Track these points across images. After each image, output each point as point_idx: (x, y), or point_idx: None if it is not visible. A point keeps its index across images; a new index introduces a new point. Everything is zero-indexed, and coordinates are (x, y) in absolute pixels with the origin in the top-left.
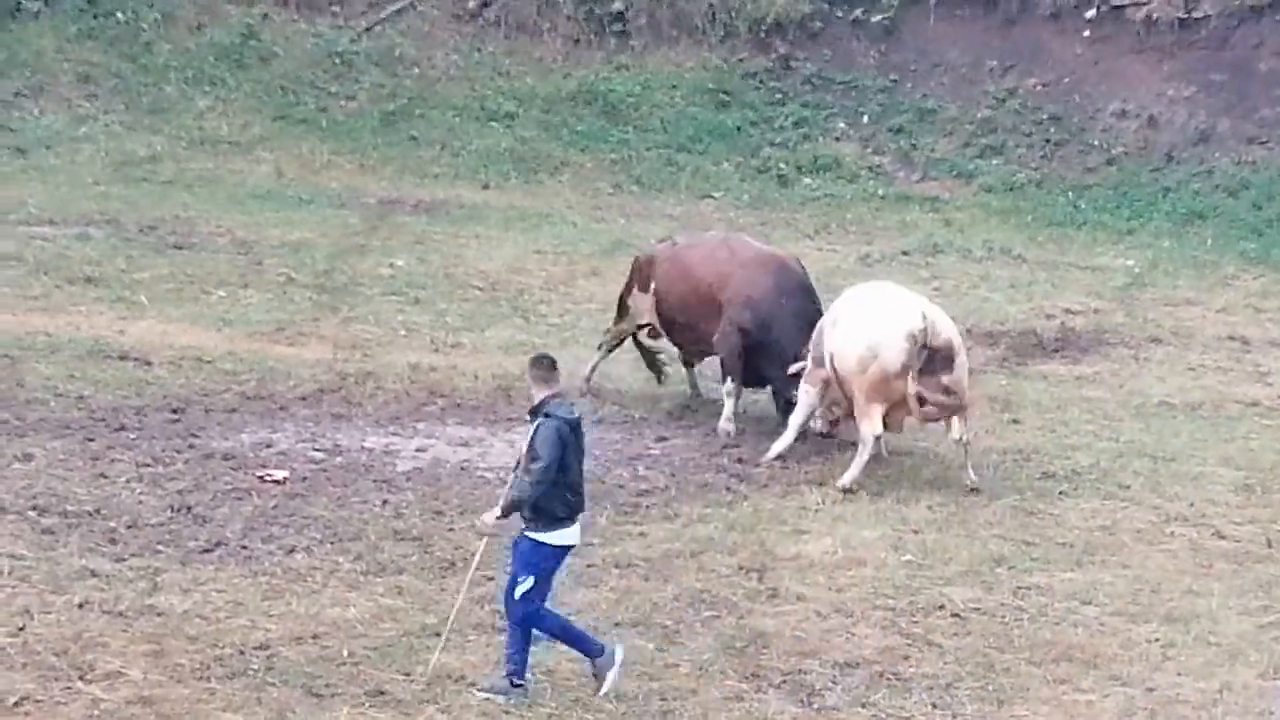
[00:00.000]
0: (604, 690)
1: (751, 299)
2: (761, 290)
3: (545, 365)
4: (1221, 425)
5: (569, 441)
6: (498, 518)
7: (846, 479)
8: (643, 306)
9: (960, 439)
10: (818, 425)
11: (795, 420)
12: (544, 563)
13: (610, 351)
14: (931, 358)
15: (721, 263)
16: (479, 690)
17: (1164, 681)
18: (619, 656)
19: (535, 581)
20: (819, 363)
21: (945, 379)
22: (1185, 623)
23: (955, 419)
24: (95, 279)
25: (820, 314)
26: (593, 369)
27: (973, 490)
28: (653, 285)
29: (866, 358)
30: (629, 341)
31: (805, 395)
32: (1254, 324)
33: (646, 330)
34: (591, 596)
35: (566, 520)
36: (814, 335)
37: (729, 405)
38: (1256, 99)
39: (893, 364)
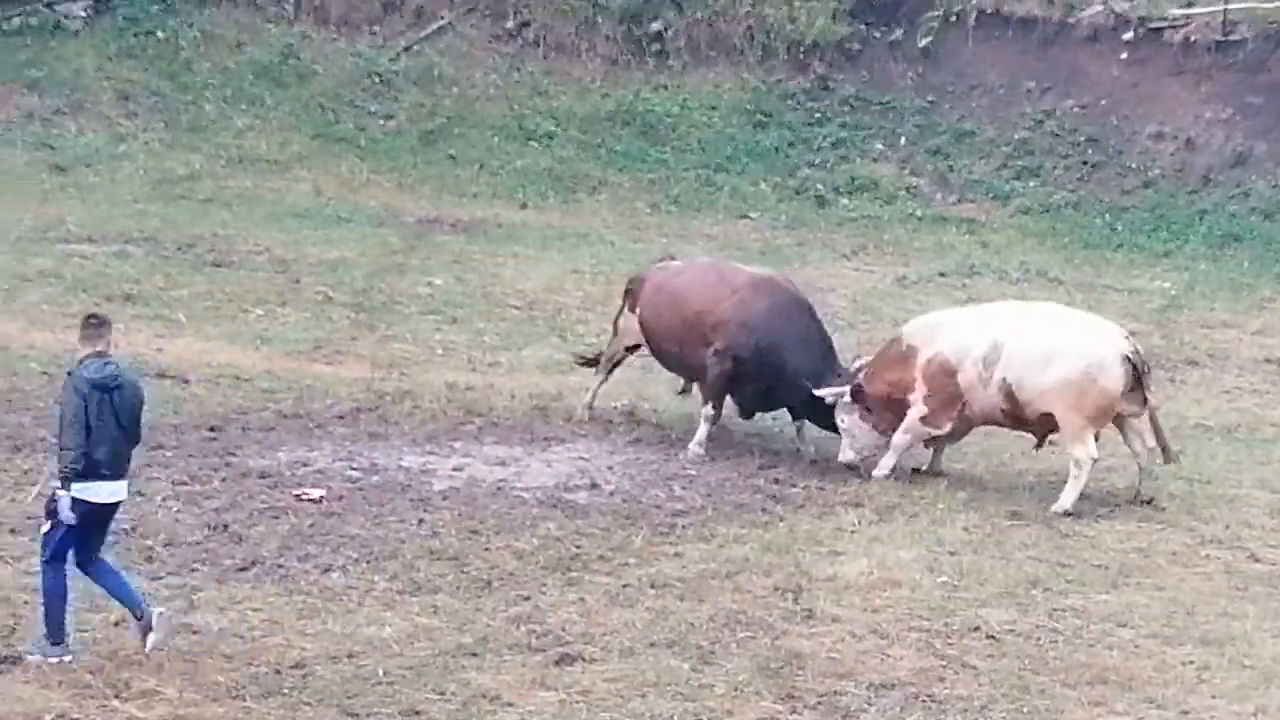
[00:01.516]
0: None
1: (747, 324)
2: (757, 314)
3: (91, 324)
4: (1257, 448)
5: (90, 399)
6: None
7: (1067, 502)
8: (632, 327)
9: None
10: (848, 455)
11: (898, 443)
12: (71, 516)
13: (609, 374)
14: (1138, 375)
15: (711, 287)
16: (30, 655)
17: (1198, 704)
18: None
19: (59, 530)
20: (947, 393)
21: (1145, 394)
22: (1220, 645)
23: (1147, 431)
24: (134, 296)
25: (824, 331)
26: (593, 394)
27: (1145, 502)
28: (638, 308)
29: (1084, 383)
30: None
31: (899, 432)
32: None
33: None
34: (627, 616)
35: (98, 476)
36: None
37: (704, 429)
38: None
39: (1115, 386)
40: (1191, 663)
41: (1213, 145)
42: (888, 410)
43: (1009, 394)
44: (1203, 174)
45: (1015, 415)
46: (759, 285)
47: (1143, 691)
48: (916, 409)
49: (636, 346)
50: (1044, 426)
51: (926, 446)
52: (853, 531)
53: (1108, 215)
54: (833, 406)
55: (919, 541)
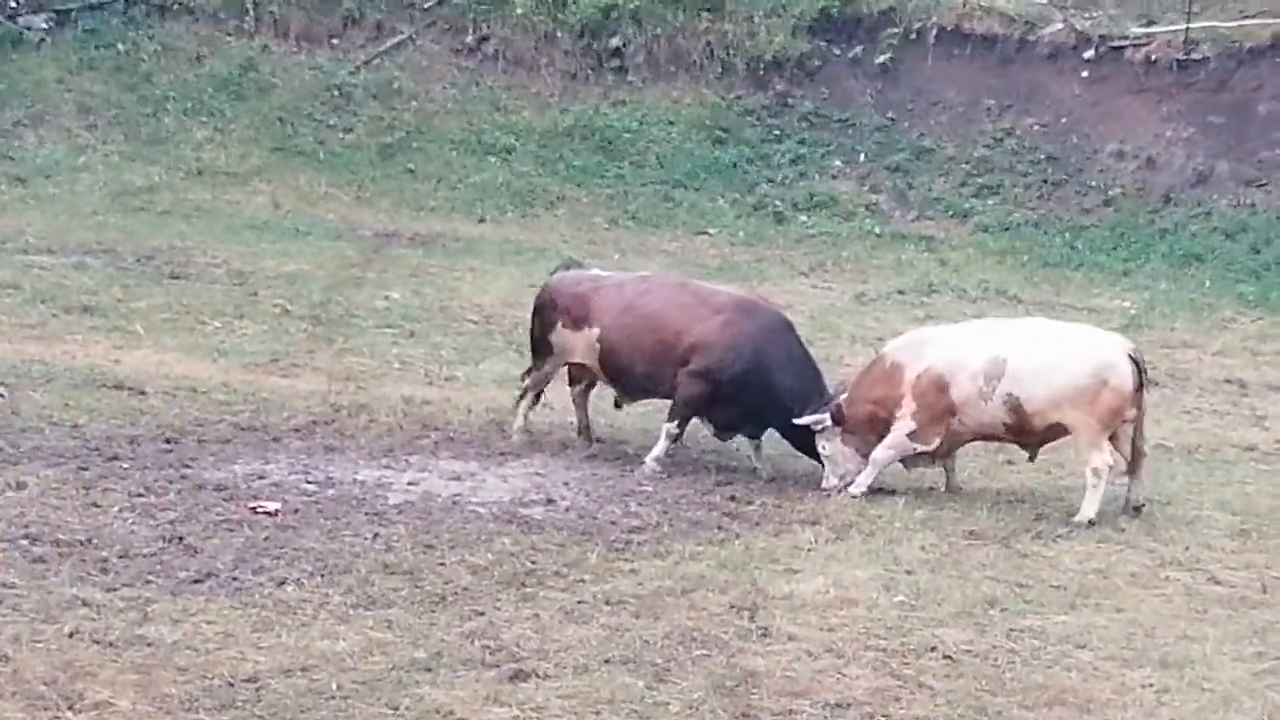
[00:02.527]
0: None
1: (734, 346)
2: (745, 335)
3: None
4: (1218, 469)
5: None
6: None
7: (1090, 512)
8: (572, 345)
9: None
10: (832, 482)
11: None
12: None
13: (538, 398)
14: (1140, 374)
15: (689, 308)
16: None
17: None
18: None
19: None
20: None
21: (1143, 396)
22: (1179, 668)
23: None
24: (92, 308)
25: (808, 352)
26: (524, 418)
27: (1137, 509)
28: (594, 325)
29: (1096, 386)
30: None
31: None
32: (1251, 367)
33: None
34: (582, 633)
35: None
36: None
37: (662, 445)
38: (1255, 141)
39: (1126, 387)
40: (1151, 685)
41: (1174, 164)
42: (872, 432)
43: (1015, 408)
44: (1164, 193)
45: (1020, 428)
46: (744, 306)
47: (1101, 714)
48: (903, 424)
49: (582, 365)
50: (1049, 437)
51: (906, 467)
52: (809, 550)
53: (1068, 234)
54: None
55: (876, 560)
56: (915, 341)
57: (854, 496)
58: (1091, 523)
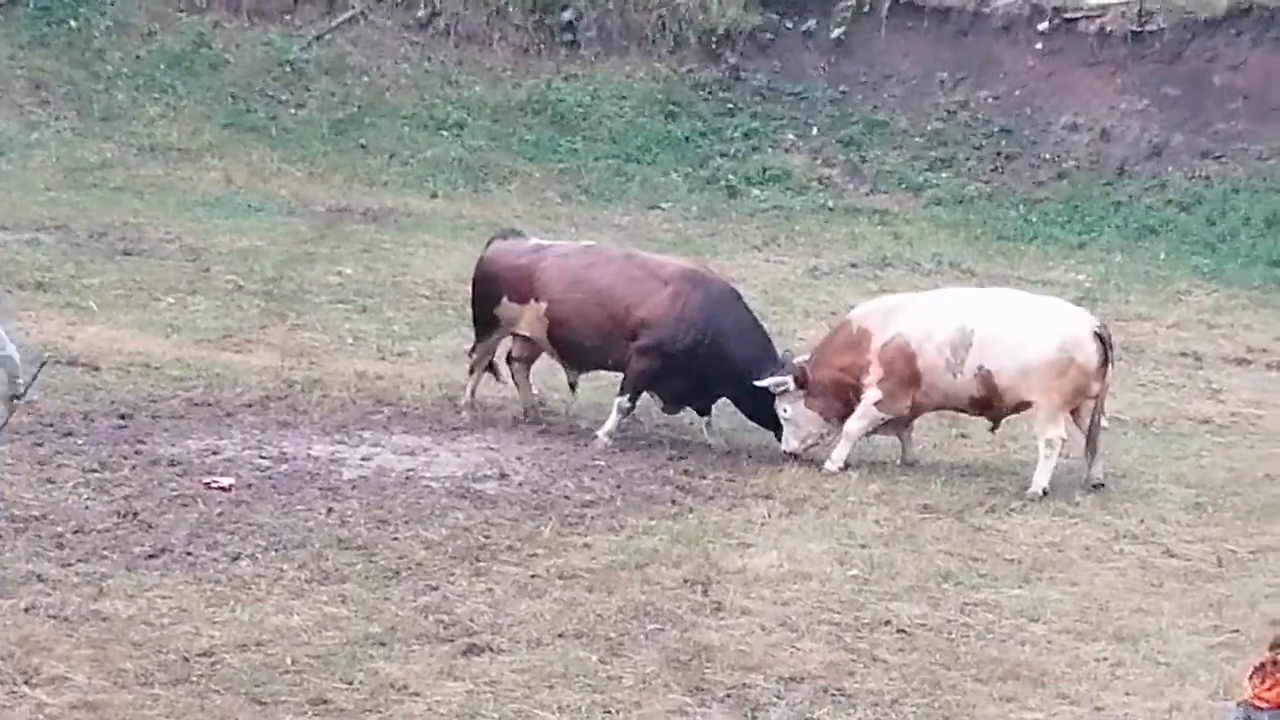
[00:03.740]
0: None
1: (684, 318)
2: (694, 306)
3: None
4: (1173, 442)
5: None
6: None
7: (1043, 482)
8: (517, 317)
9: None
10: (792, 445)
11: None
12: None
13: (485, 370)
14: (1106, 350)
15: (638, 281)
16: None
17: (1112, 701)
18: None
19: None
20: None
21: (1108, 372)
22: (1134, 641)
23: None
24: (45, 284)
25: (758, 320)
26: (472, 392)
27: (1096, 486)
28: (541, 299)
29: (1063, 361)
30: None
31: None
32: (1206, 340)
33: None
34: (535, 607)
35: None
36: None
37: (614, 419)
38: (1210, 113)
39: (1091, 362)
40: (1105, 659)
41: (1128, 136)
42: (835, 396)
43: (986, 380)
44: (1118, 165)
45: (987, 402)
46: (692, 277)
47: (1055, 687)
48: (871, 393)
49: (526, 339)
50: (1013, 411)
51: (867, 436)
52: (763, 524)
53: (1022, 207)
54: (770, 397)
55: (829, 534)
56: (883, 309)
57: (832, 473)
58: (1045, 493)
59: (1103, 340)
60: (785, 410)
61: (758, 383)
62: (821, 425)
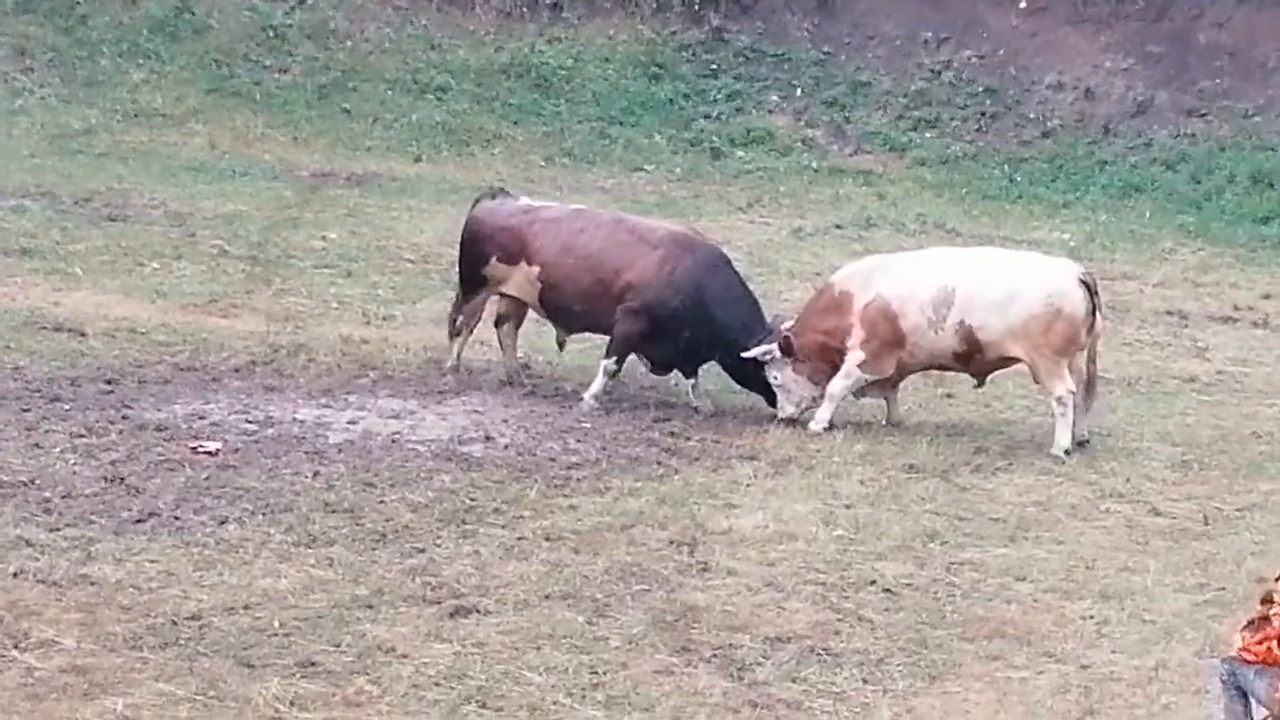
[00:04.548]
0: None
1: (673, 282)
2: (683, 270)
3: None
4: (1158, 401)
5: None
6: None
7: (1064, 441)
8: (508, 278)
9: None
10: (788, 410)
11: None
12: None
13: (471, 332)
14: (1093, 298)
15: (627, 245)
16: None
17: (1098, 659)
18: None
19: None
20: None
21: (1097, 320)
22: (1120, 599)
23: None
24: (30, 250)
25: (746, 285)
26: (458, 355)
27: (1081, 443)
28: (534, 262)
29: (1049, 314)
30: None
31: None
32: (1192, 298)
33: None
34: (522, 569)
35: None
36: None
37: (600, 382)
38: (1195, 71)
39: (1078, 311)
40: (1091, 617)
41: (1113, 95)
42: (822, 360)
43: (968, 337)
44: (1103, 124)
45: (972, 358)
46: (681, 241)
47: (1041, 645)
48: (854, 355)
49: (514, 300)
50: (1000, 366)
51: (857, 397)
52: (748, 485)
53: (1006, 166)
54: (758, 363)
55: (815, 495)
56: (864, 270)
57: (816, 433)
58: (1068, 452)
59: (1089, 288)
60: (775, 377)
61: (745, 354)
62: (813, 389)
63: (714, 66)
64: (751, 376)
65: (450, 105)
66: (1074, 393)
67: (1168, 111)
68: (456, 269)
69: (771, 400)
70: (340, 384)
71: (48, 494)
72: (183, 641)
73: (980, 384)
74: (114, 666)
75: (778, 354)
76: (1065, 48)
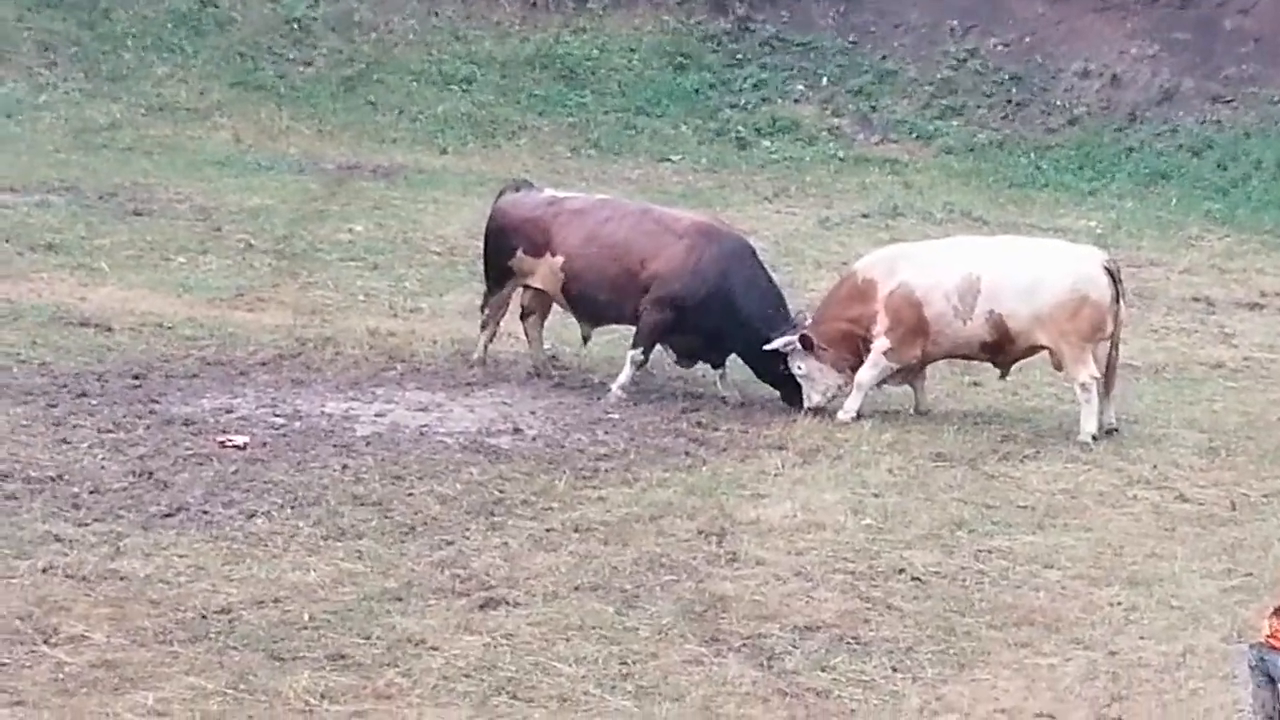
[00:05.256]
0: None
1: (698, 271)
2: (708, 260)
3: None
4: (1185, 387)
5: None
6: None
7: (1091, 427)
8: (534, 270)
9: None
10: (815, 400)
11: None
12: None
13: (498, 325)
14: (1116, 285)
15: (653, 235)
16: None
17: (1126, 645)
18: None
19: None
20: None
21: (1121, 308)
22: (1148, 586)
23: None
24: (56, 246)
25: (771, 277)
26: (484, 347)
27: (1109, 431)
28: (559, 254)
29: (1075, 301)
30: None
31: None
32: (1218, 285)
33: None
34: (551, 560)
35: None
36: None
37: (628, 373)
38: (1221, 58)
39: (1104, 298)
40: (1119, 603)
41: (1139, 82)
42: (846, 348)
43: (998, 325)
44: (1129, 111)
45: (1000, 347)
46: (706, 231)
47: (1069, 632)
48: (880, 342)
49: (539, 292)
50: (1025, 355)
51: (879, 386)
52: (776, 475)
53: (1033, 154)
54: (781, 357)
55: (843, 484)
56: (888, 257)
57: (844, 423)
58: (1094, 438)
59: (1113, 275)
60: (799, 367)
61: (766, 346)
62: (837, 377)
63: (739, 56)
64: (772, 370)
65: (476, 97)
66: (1098, 379)
67: (1194, 98)
68: (483, 261)
69: (788, 397)
70: (368, 377)
71: (76, 489)
72: (212, 635)
73: (1004, 374)
74: (144, 661)
75: (798, 345)
76: (1091, 35)
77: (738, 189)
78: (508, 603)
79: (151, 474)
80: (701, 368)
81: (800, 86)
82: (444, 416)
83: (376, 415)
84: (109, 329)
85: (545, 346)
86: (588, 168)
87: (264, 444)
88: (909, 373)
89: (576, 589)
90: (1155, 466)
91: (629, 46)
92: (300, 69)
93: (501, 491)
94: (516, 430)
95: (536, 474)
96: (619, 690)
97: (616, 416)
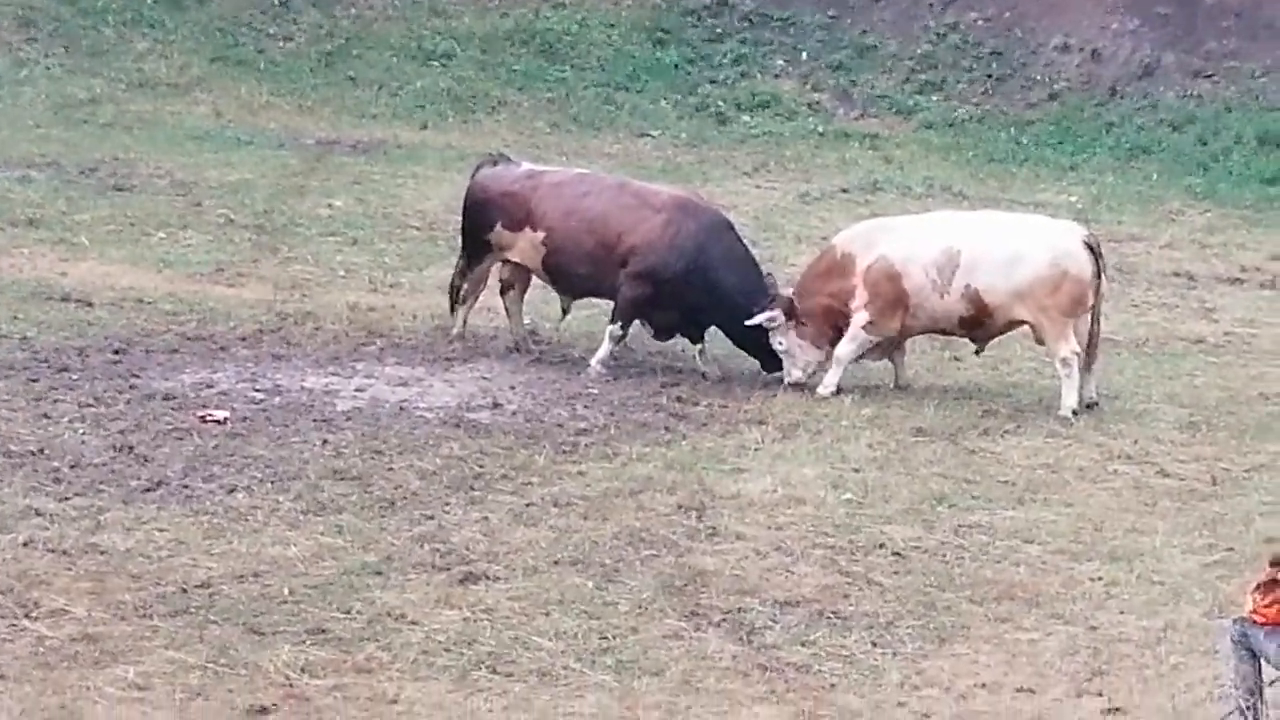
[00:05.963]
0: None
1: (676, 245)
2: (686, 235)
3: None
4: (1166, 362)
5: None
6: None
7: (1071, 402)
8: (512, 244)
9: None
10: (795, 375)
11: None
12: None
13: (477, 298)
14: (1097, 259)
15: (631, 209)
16: None
17: (1107, 620)
18: None
19: None
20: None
21: (1102, 283)
22: (1128, 561)
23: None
24: (36, 221)
25: (749, 251)
26: (464, 322)
27: (1089, 405)
28: (538, 228)
29: (1055, 276)
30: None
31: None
32: (1199, 260)
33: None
34: (531, 535)
35: None
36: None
37: (607, 347)
38: (1202, 32)
39: (1085, 273)
40: (1099, 578)
41: (1119, 56)
42: (826, 323)
43: (974, 299)
44: (1109, 86)
45: (978, 321)
46: (684, 205)
47: (1050, 607)
48: (859, 316)
49: (518, 266)
50: (1003, 330)
51: (859, 360)
52: (756, 449)
53: (1013, 129)
54: (764, 331)
55: (823, 459)
56: (866, 231)
57: (824, 397)
58: (1075, 413)
59: (1093, 250)
60: (780, 343)
61: (748, 321)
62: (817, 353)
63: (719, 31)
64: (753, 342)
65: (455, 72)
66: (1079, 354)
67: (1174, 73)
68: (461, 235)
69: (769, 366)
70: (348, 352)
71: (56, 463)
72: (193, 609)
73: (979, 350)
74: (124, 635)
75: (781, 319)
76: (1071, 9)
77: (717, 164)
78: (488, 577)
79: (132, 449)
80: (680, 341)
81: (780, 61)
82: (424, 391)
83: (356, 390)
84: (89, 304)
85: (525, 321)
86: (567, 143)
87: (244, 419)
88: (888, 347)
89: (556, 564)
90: (1136, 441)
91: (608, 22)
92: (280, 44)
93: (481, 466)
94: (496, 405)
95: (516, 449)
96: (599, 664)
97: (596, 391)
